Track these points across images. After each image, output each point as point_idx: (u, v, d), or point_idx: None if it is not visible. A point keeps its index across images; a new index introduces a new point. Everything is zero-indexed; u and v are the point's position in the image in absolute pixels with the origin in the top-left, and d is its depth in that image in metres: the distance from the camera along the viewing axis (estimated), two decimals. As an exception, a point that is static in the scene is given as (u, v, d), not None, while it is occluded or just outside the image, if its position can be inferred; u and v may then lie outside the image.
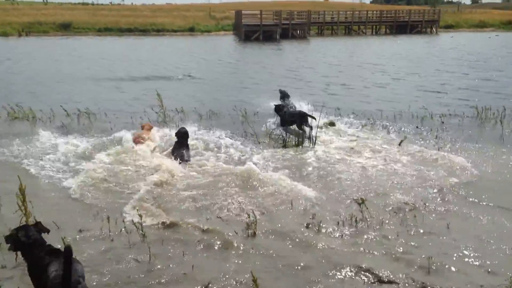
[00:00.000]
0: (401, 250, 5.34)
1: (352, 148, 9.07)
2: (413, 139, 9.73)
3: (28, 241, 3.95)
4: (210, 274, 4.88)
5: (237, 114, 11.99)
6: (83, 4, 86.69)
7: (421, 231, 5.79)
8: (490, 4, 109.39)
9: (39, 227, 4.13)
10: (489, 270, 4.92)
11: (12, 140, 9.52)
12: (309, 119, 9.82)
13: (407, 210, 6.34)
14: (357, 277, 4.81)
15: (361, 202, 6.13)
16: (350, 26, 54.21)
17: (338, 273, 4.87)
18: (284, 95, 11.92)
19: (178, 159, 8.19)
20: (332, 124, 10.78)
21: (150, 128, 9.76)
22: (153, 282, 4.75)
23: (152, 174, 7.65)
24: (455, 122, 11.27)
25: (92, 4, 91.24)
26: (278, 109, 10.50)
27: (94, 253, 5.27)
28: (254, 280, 4.12)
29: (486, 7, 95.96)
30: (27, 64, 23.95)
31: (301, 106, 11.51)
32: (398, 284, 4.68)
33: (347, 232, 5.78)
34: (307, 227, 5.89)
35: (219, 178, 7.56)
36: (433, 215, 6.22)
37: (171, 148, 8.77)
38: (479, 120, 11.45)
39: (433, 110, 12.12)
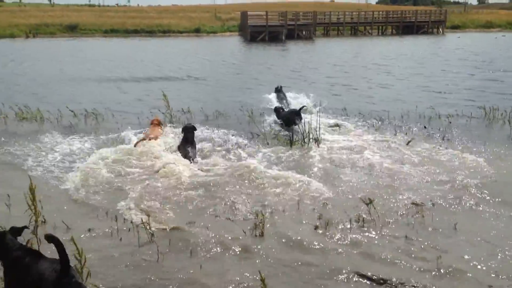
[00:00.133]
0: (409, 251, 5.31)
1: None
2: (421, 139, 9.69)
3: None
4: (217, 273, 4.89)
5: (243, 114, 12.03)
6: (90, 5, 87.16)
7: (429, 231, 5.76)
8: (497, 5, 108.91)
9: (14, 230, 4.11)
10: (498, 270, 4.88)
11: (20, 140, 9.60)
12: (301, 114, 10.39)
13: (415, 210, 6.31)
14: (365, 278, 4.79)
15: (368, 202, 6.11)
16: (356, 26, 54.12)
17: (346, 274, 4.85)
18: (277, 90, 13.04)
19: (185, 157, 8.25)
20: (337, 125, 10.80)
21: (158, 123, 9.87)
22: (161, 281, 4.76)
23: (159, 174, 7.68)
24: (462, 123, 11.22)
25: (99, 5, 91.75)
26: (277, 111, 11.10)
27: (103, 252, 5.29)
28: (262, 280, 4.12)
29: (493, 8, 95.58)
30: (31, 66, 24.08)
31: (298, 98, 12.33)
32: (406, 285, 4.66)
33: (355, 233, 5.75)
34: (315, 228, 5.87)
35: (226, 177, 7.59)
36: (442, 215, 6.19)
37: (177, 145, 8.91)
38: (487, 120, 11.39)
39: (440, 110, 12.06)
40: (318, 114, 10.52)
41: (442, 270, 4.87)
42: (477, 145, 9.23)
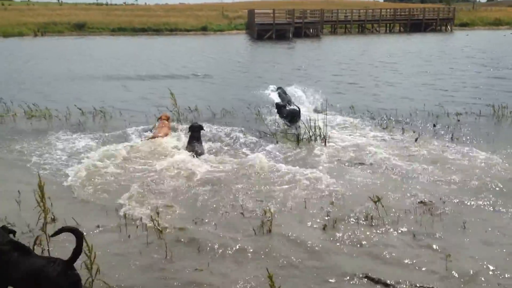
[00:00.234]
0: (418, 251, 5.29)
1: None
2: (430, 137, 9.65)
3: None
4: (225, 271, 4.90)
5: (250, 112, 12.08)
6: (98, 4, 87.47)
7: (438, 230, 5.72)
8: (506, 2, 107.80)
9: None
10: (508, 269, 4.85)
11: (29, 138, 9.69)
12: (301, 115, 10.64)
13: (423, 209, 6.29)
14: (373, 281, 4.76)
15: (376, 200, 6.09)
16: (363, 24, 53.91)
17: (353, 276, 4.81)
18: (278, 88, 13.37)
19: (193, 154, 8.29)
20: (353, 124, 10.81)
21: (167, 118, 10.02)
22: (169, 278, 4.79)
23: (167, 171, 7.72)
24: (471, 121, 11.15)
25: (106, 4, 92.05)
26: (278, 108, 11.24)
27: (112, 249, 5.33)
28: (270, 277, 4.12)
29: (502, 5, 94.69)
30: (38, 64, 24.20)
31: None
32: (415, 285, 4.65)
33: (363, 232, 5.73)
34: (323, 227, 5.85)
35: (233, 174, 7.63)
36: (451, 214, 6.15)
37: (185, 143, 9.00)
38: (496, 118, 11.30)
39: (448, 108, 11.99)
40: (325, 112, 10.51)
41: (451, 271, 4.82)
42: (487, 143, 9.16)
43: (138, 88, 17.23)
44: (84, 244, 4.24)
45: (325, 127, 9.44)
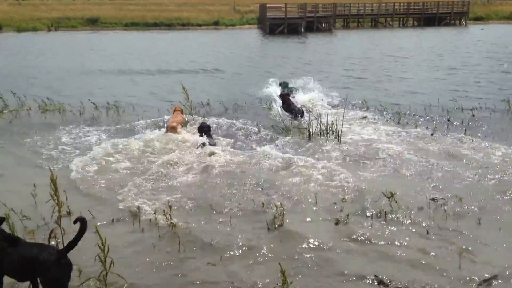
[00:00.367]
0: (431, 245, 5.26)
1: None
2: (444, 132, 9.56)
3: None
4: (238, 265, 4.93)
5: (262, 107, 12.12)
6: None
7: (452, 228, 5.66)
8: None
9: None
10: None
11: (44, 132, 9.80)
12: (305, 113, 10.92)
13: (437, 205, 6.24)
14: (384, 278, 4.74)
15: (390, 196, 6.05)
16: (376, 18, 53.34)
17: (365, 274, 4.79)
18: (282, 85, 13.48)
19: (206, 146, 8.51)
20: (365, 117, 10.79)
21: (181, 110, 10.21)
22: (183, 273, 4.82)
23: (180, 165, 7.77)
24: (485, 116, 11.00)
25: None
26: (283, 98, 11.47)
27: (126, 242, 5.39)
28: (283, 272, 4.13)
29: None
30: (51, 59, 24.27)
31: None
32: (427, 281, 4.62)
33: (376, 227, 5.71)
34: (336, 223, 5.83)
35: (246, 168, 7.67)
36: (465, 211, 6.09)
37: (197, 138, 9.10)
38: (511, 113, 11.15)
39: (462, 103, 11.85)
40: (337, 106, 10.46)
41: (465, 272, 4.78)
42: (502, 139, 9.04)
43: (150, 82, 17.28)
44: (98, 237, 4.30)
45: (337, 121, 9.39)
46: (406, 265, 4.92)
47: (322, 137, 9.22)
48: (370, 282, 4.65)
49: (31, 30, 42.84)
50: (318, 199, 6.45)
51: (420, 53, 25.96)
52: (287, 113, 11.04)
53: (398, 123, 10.44)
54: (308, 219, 5.96)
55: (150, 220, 5.86)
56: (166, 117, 10.61)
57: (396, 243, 5.35)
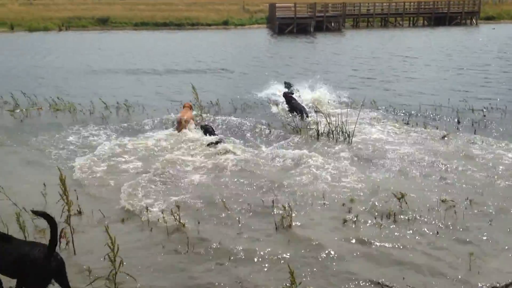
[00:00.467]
0: (441, 247, 5.22)
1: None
2: (454, 133, 9.48)
3: None
4: (245, 266, 4.93)
5: (270, 107, 12.14)
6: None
7: (462, 230, 5.62)
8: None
9: None
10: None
11: (54, 132, 9.87)
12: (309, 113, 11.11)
13: (447, 206, 6.19)
14: (396, 273, 4.73)
15: (400, 197, 6.02)
16: (386, 18, 53.04)
17: (374, 272, 4.78)
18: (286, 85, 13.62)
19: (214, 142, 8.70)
20: (373, 118, 10.77)
21: (190, 106, 10.39)
22: (191, 274, 4.84)
23: (189, 165, 7.80)
24: (496, 117, 10.89)
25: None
26: (286, 97, 11.62)
27: (135, 241, 5.42)
28: (291, 273, 4.12)
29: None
30: (58, 58, 24.39)
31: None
32: (435, 280, 4.59)
33: (385, 227, 5.69)
34: (343, 224, 5.82)
35: (255, 168, 7.67)
36: (475, 212, 6.05)
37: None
38: (523, 114, 11.05)
39: (472, 104, 11.75)
40: (347, 107, 10.42)
41: (474, 266, 4.76)
42: (513, 140, 8.95)
43: (160, 82, 17.34)
44: (107, 236, 4.33)
45: (346, 122, 9.36)
46: (414, 269, 4.87)
47: (331, 137, 9.19)
48: (377, 285, 4.62)
49: (42, 29, 43.16)
50: (326, 200, 6.43)
51: (429, 53, 25.75)
52: (291, 113, 11.10)
53: (407, 123, 10.38)
54: (316, 220, 5.95)
55: (158, 220, 5.88)
56: (173, 116, 10.76)
57: (405, 245, 5.31)
